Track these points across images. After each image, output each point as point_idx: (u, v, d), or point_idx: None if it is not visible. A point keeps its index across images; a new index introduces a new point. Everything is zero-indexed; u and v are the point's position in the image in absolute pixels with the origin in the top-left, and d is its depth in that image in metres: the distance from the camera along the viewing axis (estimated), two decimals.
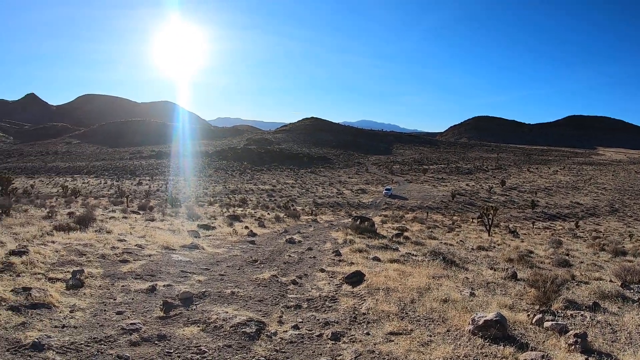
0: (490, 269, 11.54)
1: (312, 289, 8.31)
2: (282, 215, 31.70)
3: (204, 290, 7.61)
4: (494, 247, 18.26)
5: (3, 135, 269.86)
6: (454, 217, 52.33)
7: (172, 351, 5.11)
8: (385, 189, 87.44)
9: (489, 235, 26.52)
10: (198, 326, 5.89)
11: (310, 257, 12.06)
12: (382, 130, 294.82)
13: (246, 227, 19.50)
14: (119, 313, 6.23)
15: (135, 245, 11.64)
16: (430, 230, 25.48)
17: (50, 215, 16.54)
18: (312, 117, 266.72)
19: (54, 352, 4.81)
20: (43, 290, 6.47)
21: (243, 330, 5.76)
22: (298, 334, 5.86)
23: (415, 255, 12.90)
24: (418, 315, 6.56)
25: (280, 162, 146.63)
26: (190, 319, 6.14)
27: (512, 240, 24.87)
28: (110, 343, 5.20)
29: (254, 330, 5.79)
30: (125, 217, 19.72)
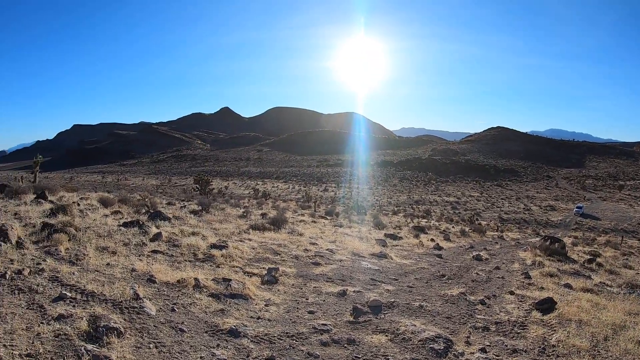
0: None
1: (500, 311, 7.99)
2: (467, 229, 30.78)
3: (392, 300, 7.72)
4: None
5: (202, 143, 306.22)
6: None
7: (360, 356, 5.27)
8: (576, 207, 79.42)
9: None
10: (386, 335, 6.00)
11: (498, 277, 11.57)
12: (573, 140, 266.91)
13: (432, 240, 19.40)
14: (310, 312, 6.61)
15: (326, 250, 12.24)
16: (626, 257, 22.40)
17: (245, 215, 18.19)
18: (498, 127, 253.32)
19: (249, 340, 5.29)
20: (241, 282, 7.13)
21: (431, 346, 5.73)
22: (485, 357, 5.68)
23: (610, 286, 11.59)
24: (610, 355, 5.96)
25: (465, 174, 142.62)
26: (378, 327, 6.28)
27: None
28: (301, 339, 5.54)
29: (442, 347, 5.73)
30: (314, 222, 20.78)
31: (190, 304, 6.12)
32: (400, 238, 18.35)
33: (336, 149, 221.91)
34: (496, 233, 34.82)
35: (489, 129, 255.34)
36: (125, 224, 10.85)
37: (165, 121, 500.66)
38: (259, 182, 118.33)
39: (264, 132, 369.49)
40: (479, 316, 7.45)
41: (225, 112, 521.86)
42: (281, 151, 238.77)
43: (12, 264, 7.29)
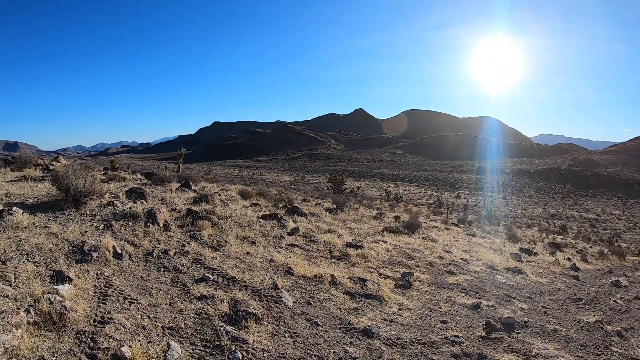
0: None
1: (637, 346, 7.24)
2: (605, 251, 28.42)
3: (526, 319, 7.34)
4: None
5: (336, 143, 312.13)
6: None
7: None
8: None
9: None
10: (518, 356, 5.72)
11: (637, 308, 10.46)
12: None
13: (568, 259, 18.25)
14: (442, 322, 6.46)
15: (460, 259, 11.94)
16: None
17: (378, 216, 18.26)
18: None
19: (381, 342, 5.29)
20: (376, 283, 7.16)
21: None
22: None
23: None
24: None
25: (607, 188, 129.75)
26: (510, 346, 6.01)
27: None
28: (432, 348, 5.45)
29: None
30: (447, 229, 20.39)
31: (326, 299, 6.25)
32: (535, 254, 17.54)
33: (470, 155, 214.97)
34: (637, 258, 32.03)
35: (634, 138, 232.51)
36: (264, 217, 11.36)
37: (300, 121, 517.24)
38: (390, 185, 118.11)
39: (397, 134, 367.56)
40: (614, 349, 6.88)
41: (360, 113, 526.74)
42: (414, 154, 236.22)
43: (159, 244, 7.91)
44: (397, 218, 18.49)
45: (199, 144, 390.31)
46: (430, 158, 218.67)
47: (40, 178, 17.32)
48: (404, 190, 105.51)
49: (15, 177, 17.39)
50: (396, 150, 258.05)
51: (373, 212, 20.21)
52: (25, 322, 4.38)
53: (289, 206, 14.60)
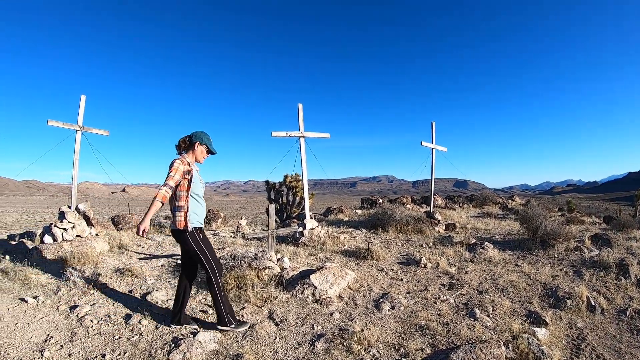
0: None
1: None
2: None
3: None
4: None
5: None
6: None
7: None
8: None
9: None
10: None
11: None
12: None
13: None
14: None
15: None
16: None
17: None
18: None
19: None
20: None
21: None
22: None
23: None
24: None
25: None
26: None
27: None
28: None
29: None
30: None
31: None
32: None
33: None
34: None
35: None
36: None
37: None
38: None
39: None
40: None
41: None
42: None
43: (632, 302, 7.28)
44: None
45: None
46: None
47: (501, 215, 18.37)
48: None
49: (478, 213, 19.00)
50: None
51: None
52: (504, 356, 4.66)
53: None
